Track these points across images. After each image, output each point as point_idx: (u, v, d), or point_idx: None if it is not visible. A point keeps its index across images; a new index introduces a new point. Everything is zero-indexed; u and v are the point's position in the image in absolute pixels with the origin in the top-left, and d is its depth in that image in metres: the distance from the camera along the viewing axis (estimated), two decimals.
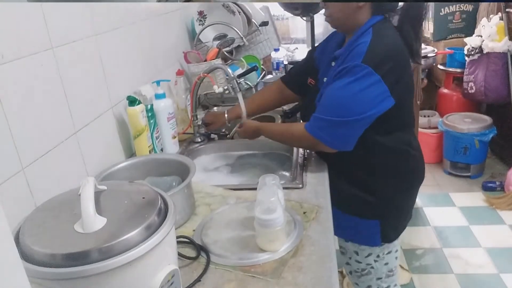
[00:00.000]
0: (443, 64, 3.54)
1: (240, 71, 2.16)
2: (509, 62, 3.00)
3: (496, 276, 2.27)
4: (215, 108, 2.05)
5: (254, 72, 2.12)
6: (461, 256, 2.44)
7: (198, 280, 0.93)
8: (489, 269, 2.33)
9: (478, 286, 2.22)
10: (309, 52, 1.57)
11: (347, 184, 1.34)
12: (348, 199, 1.34)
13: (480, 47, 3.06)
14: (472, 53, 3.11)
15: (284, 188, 1.27)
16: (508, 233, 2.62)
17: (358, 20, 1.22)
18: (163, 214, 0.78)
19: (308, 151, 1.50)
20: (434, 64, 3.59)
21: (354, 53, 1.18)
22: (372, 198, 1.32)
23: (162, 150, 1.52)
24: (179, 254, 0.99)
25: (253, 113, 1.62)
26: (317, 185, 1.29)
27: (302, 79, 1.50)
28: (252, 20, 2.45)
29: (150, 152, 1.44)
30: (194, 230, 1.11)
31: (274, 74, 2.51)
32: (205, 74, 1.64)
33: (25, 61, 0.98)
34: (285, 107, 1.81)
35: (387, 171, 1.31)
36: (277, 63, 2.53)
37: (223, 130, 1.74)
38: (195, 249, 1.04)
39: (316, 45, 1.59)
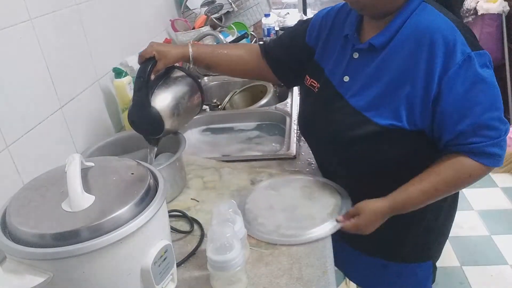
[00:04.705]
0: None
1: (230, 38, 2.11)
2: (504, 23, 2.95)
3: (487, 237, 2.32)
4: (205, 78, 2.01)
5: (244, 40, 2.06)
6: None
7: (192, 253, 0.93)
8: (481, 231, 2.37)
9: (470, 248, 2.26)
10: (296, 35, 1.15)
11: (405, 229, 1.09)
12: (405, 246, 1.12)
13: (475, 8, 3.00)
14: (467, 15, 3.05)
15: (276, 158, 1.26)
16: (500, 195, 2.65)
17: (398, 0, 0.91)
18: (154, 189, 0.76)
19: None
20: None
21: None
22: (430, 236, 1.12)
23: None
24: (173, 228, 0.99)
25: (213, 68, 1.19)
26: (311, 155, 1.28)
27: (291, 70, 1.16)
28: None
29: None
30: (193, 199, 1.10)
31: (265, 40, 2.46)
32: (194, 42, 1.59)
33: (1, 34, 0.93)
34: None
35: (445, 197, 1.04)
36: (268, 29, 2.47)
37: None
38: (188, 223, 1.03)
39: (305, 19, 1.20)
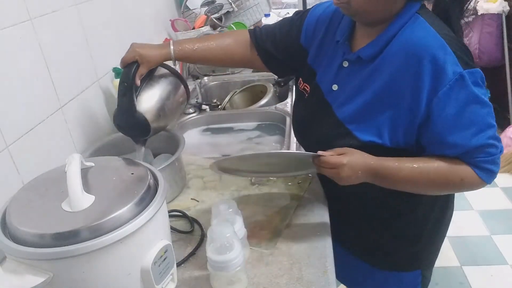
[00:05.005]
0: None
1: None
2: (504, 23, 2.95)
3: (487, 237, 2.32)
4: (205, 78, 2.01)
5: None
6: (453, 219, 2.46)
7: (192, 253, 0.93)
8: (481, 231, 2.36)
9: (470, 248, 2.26)
10: (291, 31, 1.10)
11: (390, 238, 1.10)
12: (390, 254, 1.12)
13: (475, 8, 3.00)
14: (467, 15, 3.04)
15: None
16: (500, 195, 2.65)
17: (392, 9, 0.88)
18: (154, 189, 0.76)
19: None
20: None
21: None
22: (418, 245, 1.10)
23: None
24: (173, 228, 0.99)
25: (199, 63, 1.26)
26: None
27: (283, 64, 1.14)
28: None
29: None
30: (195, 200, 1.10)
31: None
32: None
33: (1, 34, 0.93)
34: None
35: (432, 207, 1.07)
36: None
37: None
38: (188, 223, 1.03)
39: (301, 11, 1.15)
